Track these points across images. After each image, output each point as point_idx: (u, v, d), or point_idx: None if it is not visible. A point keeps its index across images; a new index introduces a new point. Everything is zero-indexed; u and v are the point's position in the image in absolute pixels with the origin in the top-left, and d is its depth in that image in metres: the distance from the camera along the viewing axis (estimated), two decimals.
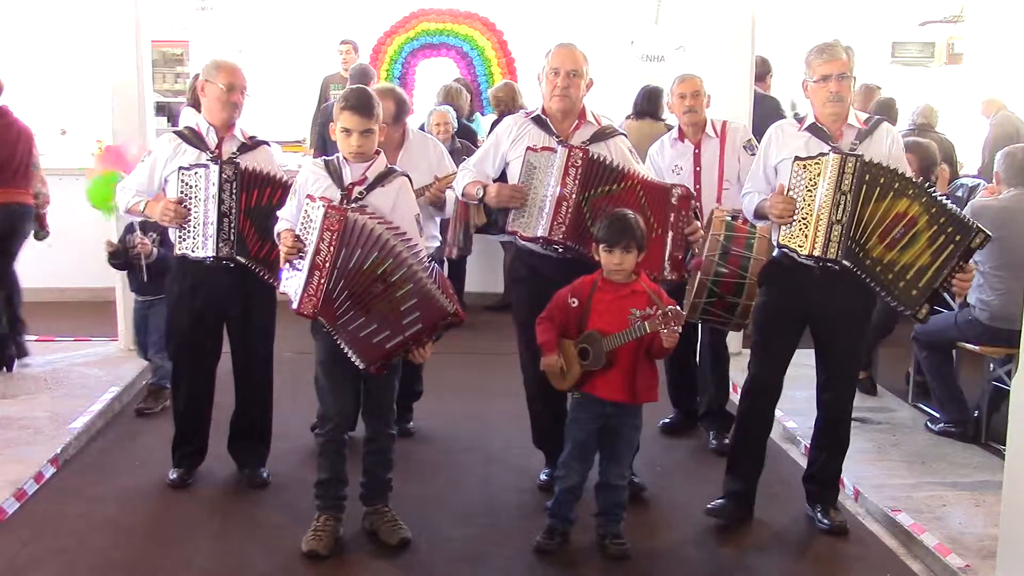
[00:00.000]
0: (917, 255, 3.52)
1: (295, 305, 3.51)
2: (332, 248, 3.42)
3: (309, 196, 3.53)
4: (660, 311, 3.35)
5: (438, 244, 4.87)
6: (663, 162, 4.83)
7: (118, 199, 4.22)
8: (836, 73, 3.68)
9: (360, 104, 3.54)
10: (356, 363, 3.47)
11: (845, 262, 3.57)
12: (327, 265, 3.43)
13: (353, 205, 3.50)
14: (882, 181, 3.53)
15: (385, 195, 3.59)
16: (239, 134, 4.12)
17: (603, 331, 3.52)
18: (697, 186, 4.73)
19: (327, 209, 3.43)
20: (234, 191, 3.93)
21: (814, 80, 3.73)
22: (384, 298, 3.43)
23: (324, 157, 3.72)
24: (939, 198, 3.54)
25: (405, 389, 4.95)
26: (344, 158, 3.61)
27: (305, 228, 3.50)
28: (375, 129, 3.58)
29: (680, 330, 3.38)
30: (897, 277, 3.55)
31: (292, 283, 3.54)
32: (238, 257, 3.95)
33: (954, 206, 3.57)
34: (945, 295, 5.01)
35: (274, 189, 3.99)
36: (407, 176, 3.72)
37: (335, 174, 3.59)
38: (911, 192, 3.52)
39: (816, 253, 3.57)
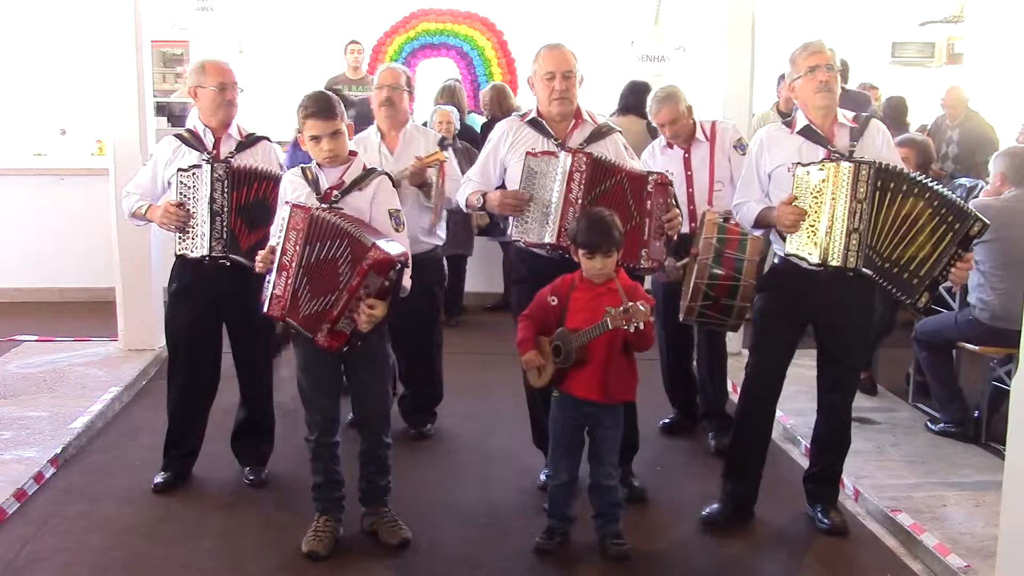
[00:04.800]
0: (920, 247, 3.49)
1: (264, 308, 3.52)
2: (297, 247, 3.42)
3: (286, 203, 3.53)
4: (622, 307, 3.35)
5: (440, 243, 4.83)
6: (654, 166, 4.80)
7: (123, 204, 4.20)
8: (823, 64, 3.67)
9: (321, 108, 3.52)
10: (306, 336, 3.42)
11: (866, 270, 3.54)
12: (292, 264, 3.43)
13: (324, 206, 3.49)
14: (892, 185, 3.50)
15: (363, 197, 3.57)
16: (236, 132, 4.12)
17: (574, 328, 3.53)
18: (689, 190, 4.72)
19: (292, 208, 3.45)
20: (225, 190, 3.94)
21: (802, 75, 3.71)
22: (331, 272, 3.39)
23: (302, 165, 3.70)
24: (940, 189, 3.53)
25: (424, 391, 4.97)
26: (319, 164, 3.60)
27: (280, 233, 3.51)
28: (342, 129, 3.57)
29: (643, 324, 3.34)
30: (902, 271, 3.52)
31: (267, 289, 3.55)
32: (231, 255, 3.95)
33: (952, 194, 3.55)
34: (945, 294, 5.02)
35: (263, 184, 3.99)
36: (387, 175, 3.71)
37: (312, 181, 3.59)
38: (917, 190, 3.50)
39: (835, 263, 3.53)
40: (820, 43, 3.74)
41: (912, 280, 3.51)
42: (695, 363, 5.07)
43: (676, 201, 3.92)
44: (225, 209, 3.94)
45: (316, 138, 3.54)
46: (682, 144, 4.78)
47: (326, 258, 3.40)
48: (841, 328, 3.79)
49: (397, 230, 3.60)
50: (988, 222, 3.53)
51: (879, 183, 3.50)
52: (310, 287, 3.43)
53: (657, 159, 4.85)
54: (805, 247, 3.60)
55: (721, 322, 4.38)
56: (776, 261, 3.89)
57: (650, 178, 3.83)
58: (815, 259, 3.58)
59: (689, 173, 4.74)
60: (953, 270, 3.50)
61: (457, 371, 5.78)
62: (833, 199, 3.52)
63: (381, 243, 3.35)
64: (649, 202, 3.79)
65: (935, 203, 3.48)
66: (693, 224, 4.65)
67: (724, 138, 4.76)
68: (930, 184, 3.53)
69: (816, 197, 3.56)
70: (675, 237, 3.94)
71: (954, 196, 3.53)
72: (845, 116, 3.78)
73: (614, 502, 3.69)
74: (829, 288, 3.67)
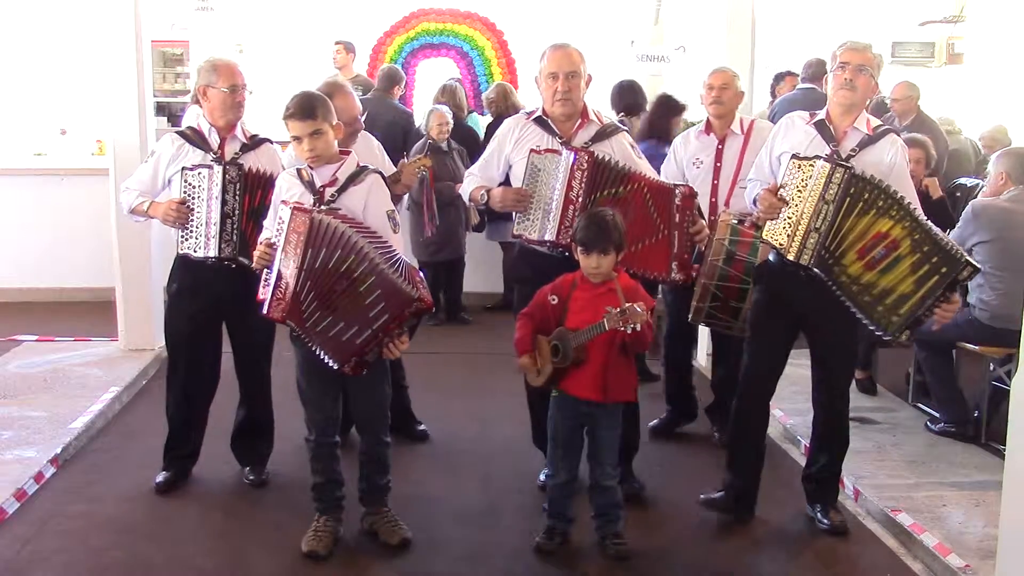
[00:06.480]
0: (898, 280, 3.48)
1: (264, 309, 3.52)
2: (298, 250, 3.40)
3: (283, 202, 3.53)
4: (619, 309, 3.35)
5: None
6: (685, 154, 4.78)
7: (121, 199, 4.19)
8: (854, 63, 3.64)
9: (300, 109, 3.51)
10: (330, 364, 3.44)
11: (816, 270, 3.57)
12: (293, 267, 3.42)
13: (323, 207, 3.48)
14: (866, 196, 3.49)
15: (357, 195, 3.56)
16: (241, 134, 4.11)
17: (573, 328, 3.53)
18: (715, 181, 4.69)
19: (293, 211, 3.44)
20: (237, 192, 3.93)
21: (833, 69, 3.72)
22: (348, 294, 3.39)
23: (296, 166, 3.70)
24: (926, 224, 3.47)
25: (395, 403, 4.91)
26: (309, 165, 3.60)
27: (279, 233, 3.49)
28: (325, 129, 3.54)
29: (639, 326, 3.33)
30: (875, 300, 3.52)
31: (267, 289, 3.54)
32: (240, 258, 3.94)
33: (942, 234, 3.49)
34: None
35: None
36: (379, 173, 3.69)
37: (307, 181, 3.58)
38: (895, 213, 3.47)
39: (790, 258, 3.60)
40: (860, 44, 3.70)
41: (890, 316, 3.50)
42: (695, 361, 5.07)
43: (700, 212, 3.95)
44: (236, 212, 3.93)
45: (297, 138, 3.54)
46: (719, 132, 4.74)
47: (336, 271, 3.37)
48: (826, 329, 3.79)
49: (395, 231, 3.60)
50: (979, 266, 3.51)
51: (851, 190, 3.49)
52: (316, 294, 3.42)
53: (690, 144, 4.80)
54: (778, 237, 3.65)
55: (729, 324, 4.38)
56: (770, 257, 3.88)
57: (677, 191, 3.87)
58: (783, 251, 3.62)
59: (719, 164, 4.71)
60: (937, 311, 3.47)
61: (457, 371, 5.80)
62: (809, 196, 3.55)
63: (421, 286, 3.42)
64: (678, 215, 3.84)
65: (916, 236, 3.44)
66: (713, 217, 4.58)
67: (759, 137, 4.69)
68: (912, 211, 3.48)
69: (800, 192, 3.59)
70: (702, 247, 4.00)
71: (941, 235, 3.48)
72: (869, 123, 3.74)
73: (613, 502, 3.70)
74: (813, 288, 3.65)
